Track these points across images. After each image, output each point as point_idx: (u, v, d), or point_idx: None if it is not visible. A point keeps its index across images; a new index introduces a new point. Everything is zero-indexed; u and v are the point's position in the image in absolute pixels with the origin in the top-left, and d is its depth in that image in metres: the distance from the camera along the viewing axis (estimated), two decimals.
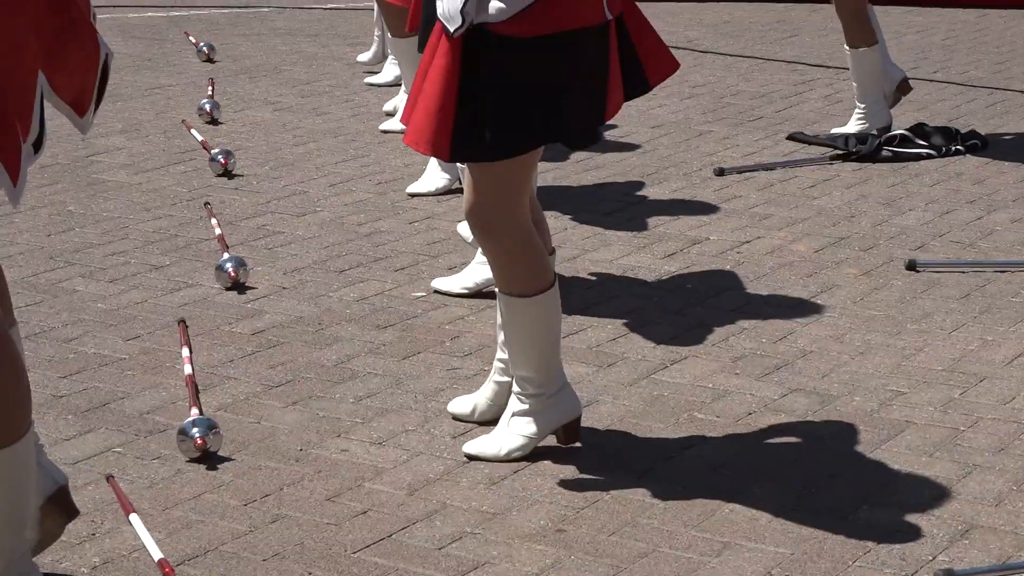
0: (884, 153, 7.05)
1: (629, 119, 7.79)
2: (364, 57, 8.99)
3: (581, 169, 6.89)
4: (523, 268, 3.88)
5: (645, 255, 5.73)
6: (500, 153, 3.69)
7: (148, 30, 10.36)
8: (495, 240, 3.86)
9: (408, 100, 3.76)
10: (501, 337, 4.02)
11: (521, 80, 3.60)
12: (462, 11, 3.47)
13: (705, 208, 6.33)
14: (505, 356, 4.07)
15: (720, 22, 10.87)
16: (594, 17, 3.64)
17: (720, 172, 6.79)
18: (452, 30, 3.52)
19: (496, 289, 3.98)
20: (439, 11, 3.52)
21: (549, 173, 6.78)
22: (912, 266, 5.54)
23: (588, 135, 4.00)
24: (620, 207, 6.35)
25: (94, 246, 5.78)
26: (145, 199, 6.40)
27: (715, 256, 5.73)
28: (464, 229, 5.88)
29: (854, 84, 7.30)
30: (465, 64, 3.56)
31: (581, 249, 5.79)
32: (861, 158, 7.02)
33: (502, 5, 3.48)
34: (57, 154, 6.99)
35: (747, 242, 5.90)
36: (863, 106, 7.24)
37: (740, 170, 6.86)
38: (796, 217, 6.21)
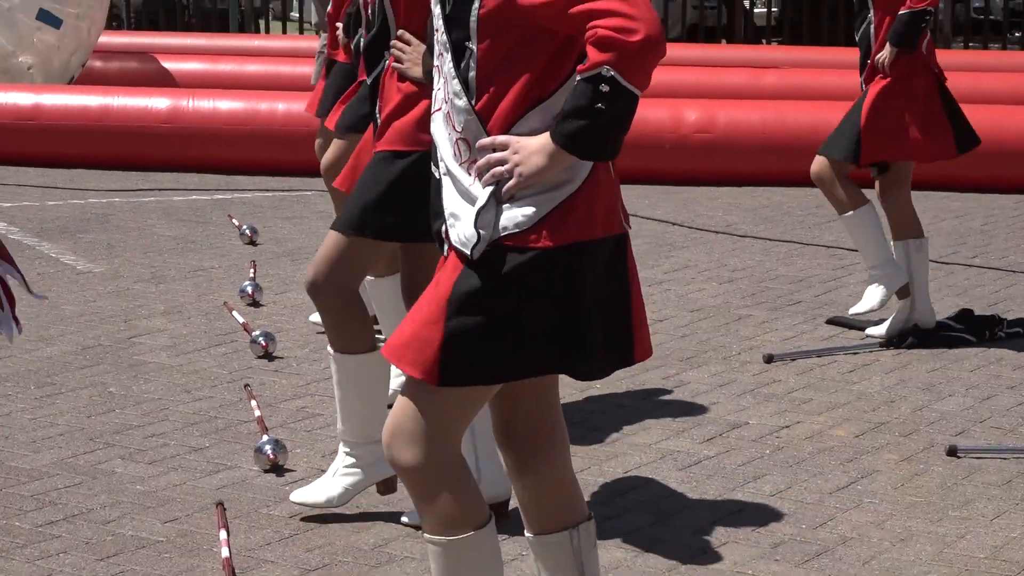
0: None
1: (668, 303, 7.82)
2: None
3: None
4: (456, 504, 3.36)
5: (684, 439, 5.72)
6: (495, 375, 3.31)
7: (192, 213, 10.49)
8: (426, 473, 3.35)
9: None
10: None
11: (535, 294, 3.26)
12: (476, 226, 3.23)
13: (745, 392, 6.33)
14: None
15: (759, 206, 10.95)
16: (612, 226, 3.36)
17: (769, 359, 6.77)
18: (471, 252, 3.24)
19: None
20: (454, 239, 3.28)
21: None
22: (953, 452, 5.51)
23: (602, 370, 3.45)
24: (659, 391, 6.34)
25: (134, 427, 5.80)
26: (185, 380, 6.43)
27: (754, 441, 5.71)
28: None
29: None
30: (463, 275, 3.27)
31: (621, 433, 5.77)
32: (900, 345, 7.02)
33: (519, 216, 3.24)
34: (99, 335, 7.04)
35: (786, 427, 5.88)
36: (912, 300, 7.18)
37: (793, 357, 6.85)
38: (836, 402, 6.19)
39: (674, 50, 17.83)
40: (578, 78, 3.18)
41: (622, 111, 3.18)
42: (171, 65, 16.00)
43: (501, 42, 3.27)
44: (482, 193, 3.26)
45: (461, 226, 3.29)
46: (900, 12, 6.94)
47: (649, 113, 12.12)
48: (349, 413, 4.89)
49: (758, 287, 8.29)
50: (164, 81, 15.47)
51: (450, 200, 3.34)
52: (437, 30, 3.37)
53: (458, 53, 3.31)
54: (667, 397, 6.26)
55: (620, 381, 6.45)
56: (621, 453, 5.55)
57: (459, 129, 3.32)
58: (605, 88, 3.14)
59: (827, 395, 6.29)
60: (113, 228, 9.87)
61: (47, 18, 14.64)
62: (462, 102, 3.30)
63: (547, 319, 3.28)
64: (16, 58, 14.56)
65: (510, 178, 3.24)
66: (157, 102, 12.46)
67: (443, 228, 3.35)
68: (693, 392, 6.33)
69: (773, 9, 22.80)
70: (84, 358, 6.70)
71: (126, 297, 7.82)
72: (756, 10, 24.29)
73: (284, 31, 23.88)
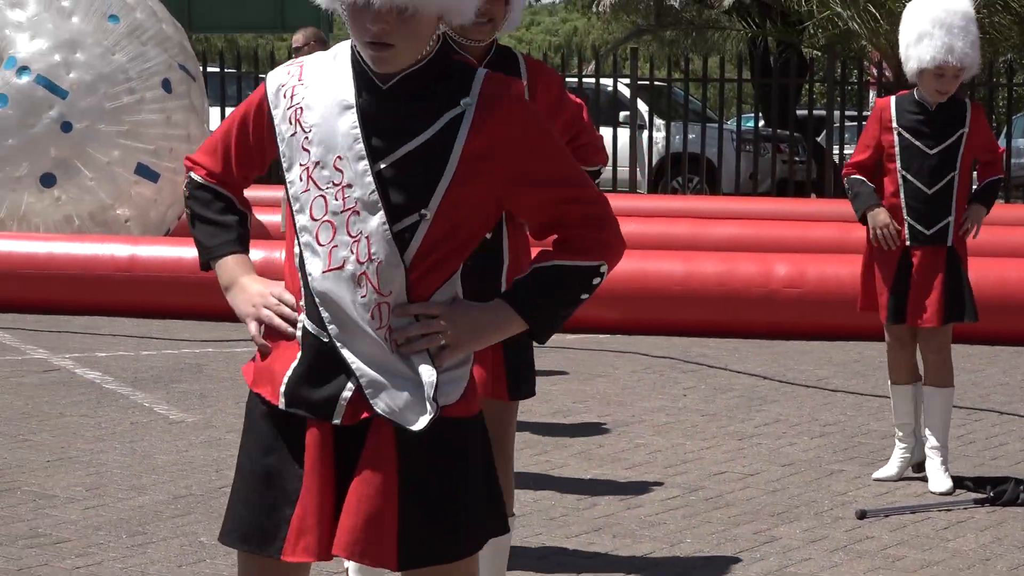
0: (1021, 497, 6.95)
1: (759, 457, 7.77)
2: None
3: (711, 507, 6.85)
4: None
5: None
6: (472, 547, 3.30)
7: None
8: None
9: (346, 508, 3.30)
10: None
11: (475, 462, 3.31)
12: (434, 398, 3.20)
13: (837, 549, 6.25)
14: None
15: (850, 361, 10.89)
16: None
17: (862, 515, 6.69)
18: (422, 424, 3.20)
19: None
20: (382, 409, 3.21)
21: (679, 510, 6.75)
22: None
23: None
24: (751, 546, 6.28)
25: None
26: None
27: None
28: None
29: (927, 430, 7.33)
30: (404, 455, 3.25)
31: None
32: (996, 502, 6.92)
33: (451, 387, 3.26)
34: (191, 485, 7.08)
35: None
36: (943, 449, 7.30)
37: (886, 513, 6.77)
38: (930, 559, 6.11)
39: (764, 204, 17.90)
40: (566, 263, 3.27)
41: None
42: (264, 217, 16.21)
43: (456, 214, 3.24)
44: (426, 366, 3.22)
45: (391, 396, 3.22)
46: (994, 178, 7.28)
47: (739, 267, 12.14)
48: None
49: (850, 442, 8.23)
50: (257, 233, 15.63)
51: (362, 367, 3.23)
52: (349, 186, 3.21)
53: (399, 214, 3.21)
54: (758, 552, 6.20)
55: (711, 536, 6.39)
56: None
57: (385, 292, 3.21)
58: (597, 281, 3.29)
59: (921, 552, 6.21)
60: (206, 378, 9.95)
61: (145, 172, 14.92)
62: (398, 269, 3.21)
63: (483, 484, 3.31)
64: (114, 210, 14.82)
65: (441, 348, 3.23)
66: (250, 254, 12.59)
67: (342, 395, 3.24)
68: (785, 548, 6.27)
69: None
70: (175, 507, 6.73)
71: (218, 447, 7.87)
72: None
73: None
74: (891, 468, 7.42)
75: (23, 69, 14.57)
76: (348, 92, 3.26)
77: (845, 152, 23.82)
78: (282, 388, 3.26)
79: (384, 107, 3.25)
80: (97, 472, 7.34)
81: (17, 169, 14.37)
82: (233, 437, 8.12)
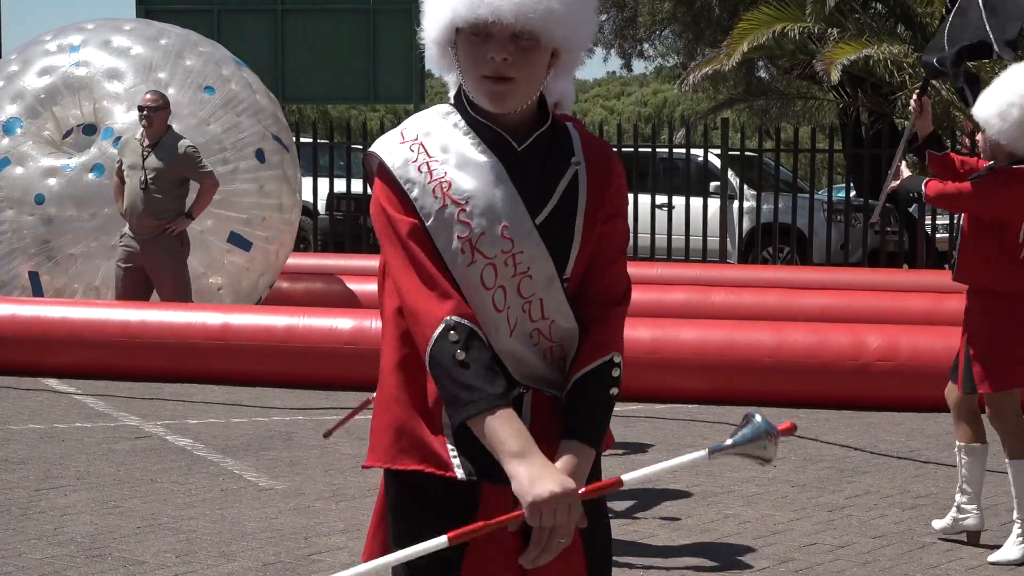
0: None
1: (850, 529, 7.70)
2: None
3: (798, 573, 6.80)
4: None
5: None
6: None
7: None
8: None
9: None
10: None
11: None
12: None
13: None
14: None
15: (943, 432, 10.78)
16: None
17: None
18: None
19: None
20: None
21: None
22: None
23: None
24: None
25: None
26: None
27: None
28: None
29: (1015, 500, 7.18)
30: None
31: None
32: None
33: None
34: (280, 552, 7.10)
35: None
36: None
37: None
38: None
39: (855, 275, 17.80)
40: (599, 371, 3.32)
41: None
42: (356, 287, 16.32)
43: (581, 269, 3.38)
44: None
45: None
46: None
47: (830, 338, 12.06)
48: None
49: (942, 514, 8.12)
50: (349, 302, 15.76)
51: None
52: (521, 252, 3.28)
53: (560, 269, 3.33)
54: None
55: None
56: None
57: (556, 340, 3.34)
58: (617, 374, 3.35)
59: None
60: (295, 446, 9.99)
61: (238, 241, 15.06)
62: (568, 320, 3.34)
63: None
64: (207, 279, 14.96)
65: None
66: (341, 323, 12.66)
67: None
68: None
69: (955, 234, 22.66)
70: (264, 574, 6.75)
71: (307, 514, 7.89)
72: (938, 235, 24.13)
73: None
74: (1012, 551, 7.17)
75: (119, 139, 14.78)
76: (491, 158, 3.30)
77: (937, 223, 23.67)
78: (456, 459, 3.29)
79: (524, 170, 3.31)
80: (187, 539, 7.38)
81: (112, 238, 14.56)
82: (322, 505, 8.15)
